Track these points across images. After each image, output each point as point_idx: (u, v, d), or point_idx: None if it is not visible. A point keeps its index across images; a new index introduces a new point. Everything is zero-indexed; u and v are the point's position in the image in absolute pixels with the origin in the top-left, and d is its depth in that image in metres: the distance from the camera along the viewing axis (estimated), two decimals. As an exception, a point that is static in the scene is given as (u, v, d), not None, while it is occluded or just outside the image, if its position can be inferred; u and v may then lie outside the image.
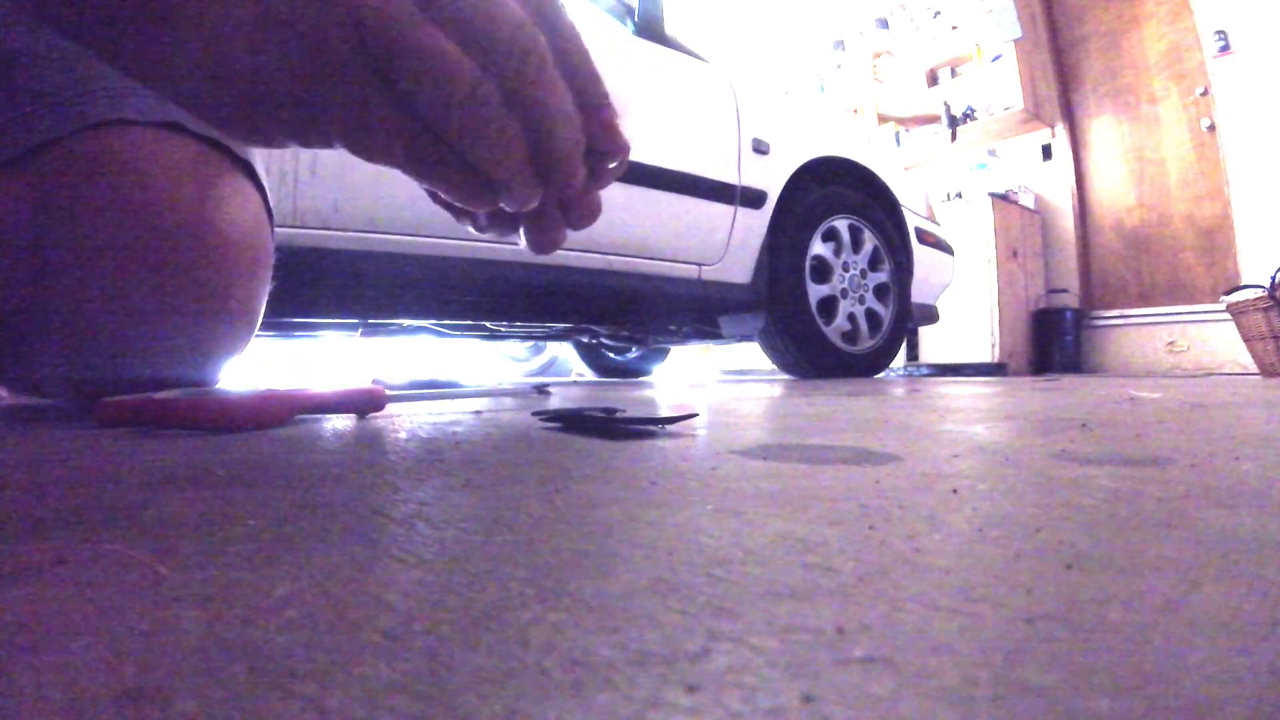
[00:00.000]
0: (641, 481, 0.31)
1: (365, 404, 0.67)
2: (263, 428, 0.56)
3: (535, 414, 0.63)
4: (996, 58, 4.38)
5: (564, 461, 0.38)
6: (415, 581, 0.17)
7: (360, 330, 1.83)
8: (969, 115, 4.68)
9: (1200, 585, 0.16)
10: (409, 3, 0.27)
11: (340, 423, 0.62)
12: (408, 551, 0.20)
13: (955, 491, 0.28)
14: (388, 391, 0.71)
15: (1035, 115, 4.32)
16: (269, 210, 0.68)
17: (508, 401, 0.94)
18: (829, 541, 0.21)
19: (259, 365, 2.17)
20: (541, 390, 1.13)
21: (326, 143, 0.30)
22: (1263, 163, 3.41)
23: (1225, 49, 3.52)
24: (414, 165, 0.30)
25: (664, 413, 0.69)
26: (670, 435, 0.50)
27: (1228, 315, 2.82)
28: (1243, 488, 0.29)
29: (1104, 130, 4.25)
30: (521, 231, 0.37)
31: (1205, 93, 3.71)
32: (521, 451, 0.42)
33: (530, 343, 3.19)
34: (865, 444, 0.45)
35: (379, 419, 0.66)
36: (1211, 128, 3.70)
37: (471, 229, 0.39)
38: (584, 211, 0.36)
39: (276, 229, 0.71)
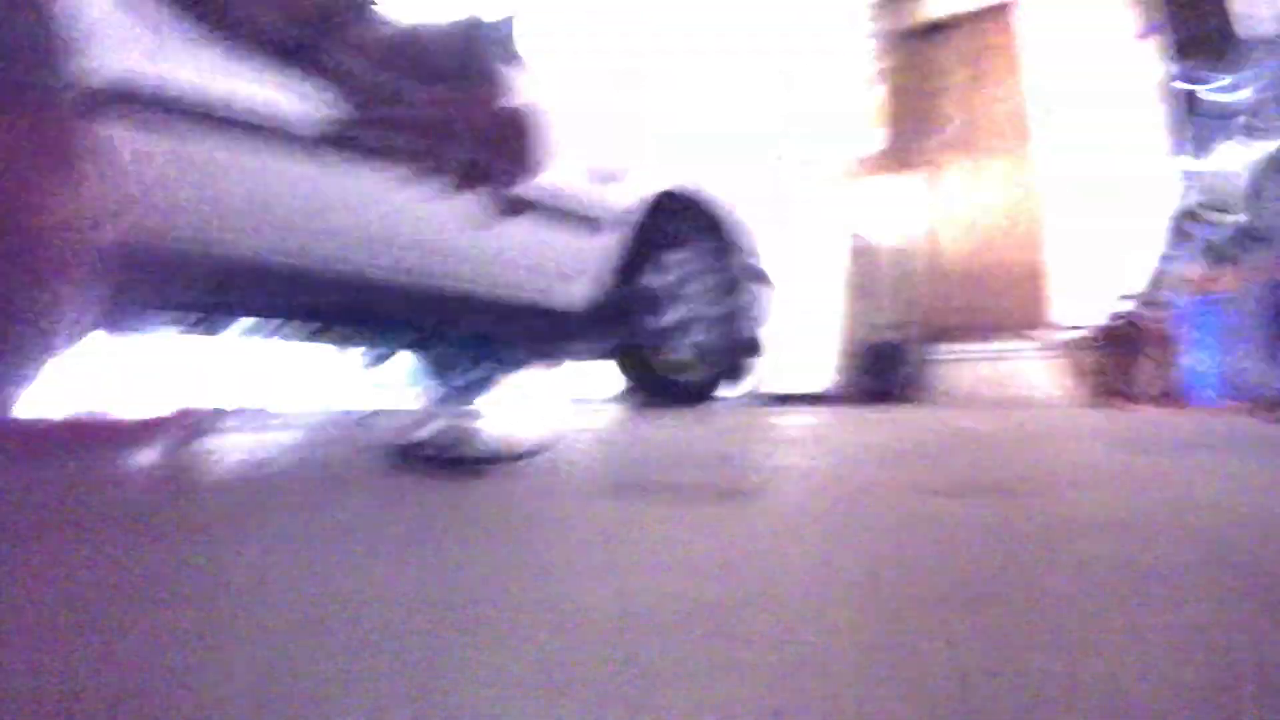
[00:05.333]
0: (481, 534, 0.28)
1: (172, 434, 0.59)
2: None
3: (371, 445, 0.57)
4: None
5: (403, 513, 0.34)
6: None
7: (183, 329, 1.64)
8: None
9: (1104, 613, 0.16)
10: None
11: (140, 457, 0.54)
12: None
13: (813, 526, 0.27)
14: (197, 420, 0.63)
15: (892, 157, 4.63)
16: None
17: (336, 431, 0.88)
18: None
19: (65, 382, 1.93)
20: (375, 417, 1.06)
21: None
22: (1075, 217, 3.87)
23: (1048, 113, 3.97)
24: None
25: (510, 444, 0.65)
26: (517, 474, 0.47)
27: (1049, 351, 3.21)
28: (1092, 517, 0.29)
29: (950, 177, 4.63)
30: None
31: (1031, 150, 4.16)
32: (355, 496, 0.38)
33: (378, 359, 3.05)
34: (716, 479, 0.44)
35: (188, 451, 0.58)
36: (1036, 183, 4.14)
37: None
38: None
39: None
